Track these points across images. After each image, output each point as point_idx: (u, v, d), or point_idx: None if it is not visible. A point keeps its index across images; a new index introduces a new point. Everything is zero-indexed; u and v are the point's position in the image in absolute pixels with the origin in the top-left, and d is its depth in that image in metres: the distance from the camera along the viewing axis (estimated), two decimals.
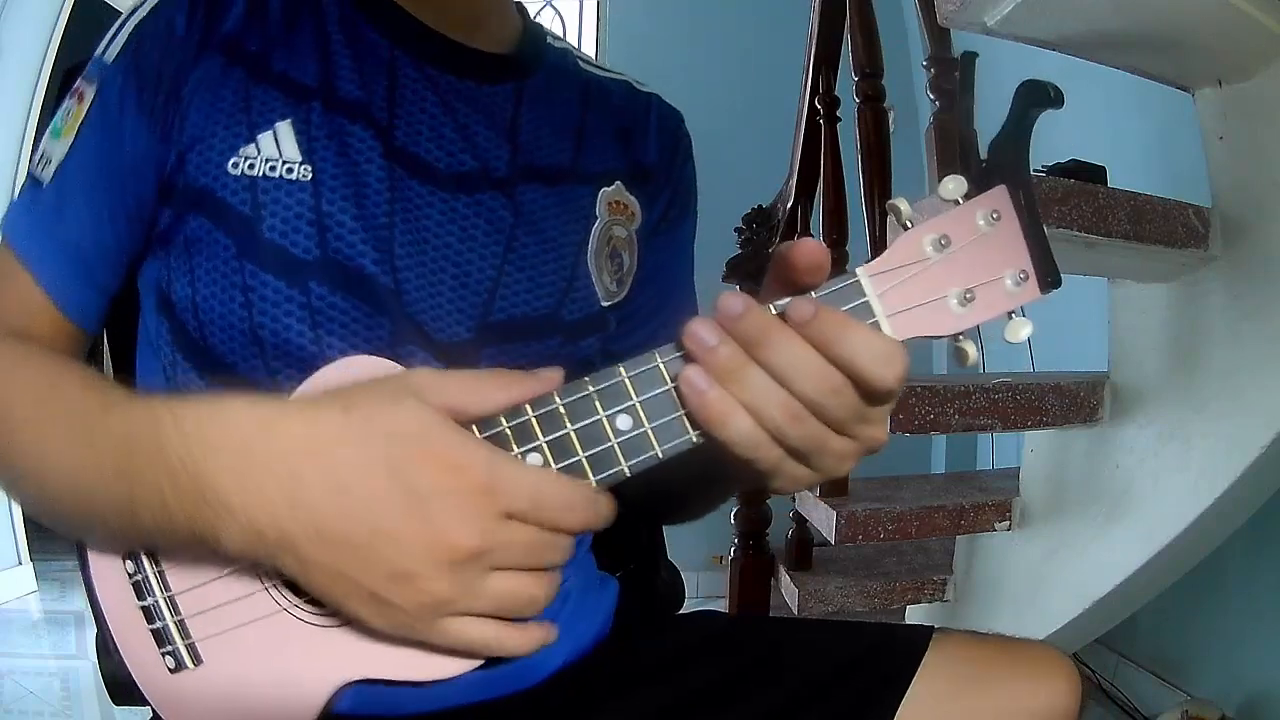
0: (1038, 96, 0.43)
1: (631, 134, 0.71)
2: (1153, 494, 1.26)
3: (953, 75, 1.64)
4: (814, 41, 1.78)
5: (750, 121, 2.74)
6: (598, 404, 0.45)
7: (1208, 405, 1.19)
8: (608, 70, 0.75)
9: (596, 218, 0.66)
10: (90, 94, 0.57)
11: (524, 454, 0.45)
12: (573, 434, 0.45)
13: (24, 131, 2.75)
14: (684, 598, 0.85)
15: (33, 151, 0.60)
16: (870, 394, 0.42)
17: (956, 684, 0.62)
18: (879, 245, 1.49)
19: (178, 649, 0.51)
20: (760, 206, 2.00)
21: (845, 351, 0.41)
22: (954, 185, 0.44)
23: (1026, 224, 0.44)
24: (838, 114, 1.73)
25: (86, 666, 2.25)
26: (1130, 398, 1.32)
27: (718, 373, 0.42)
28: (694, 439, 0.45)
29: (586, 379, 0.45)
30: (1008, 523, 1.49)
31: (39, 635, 2.51)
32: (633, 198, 0.69)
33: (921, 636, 0.64)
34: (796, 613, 1.54)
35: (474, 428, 0.45)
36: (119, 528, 0.48)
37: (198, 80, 0.56)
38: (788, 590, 1.59)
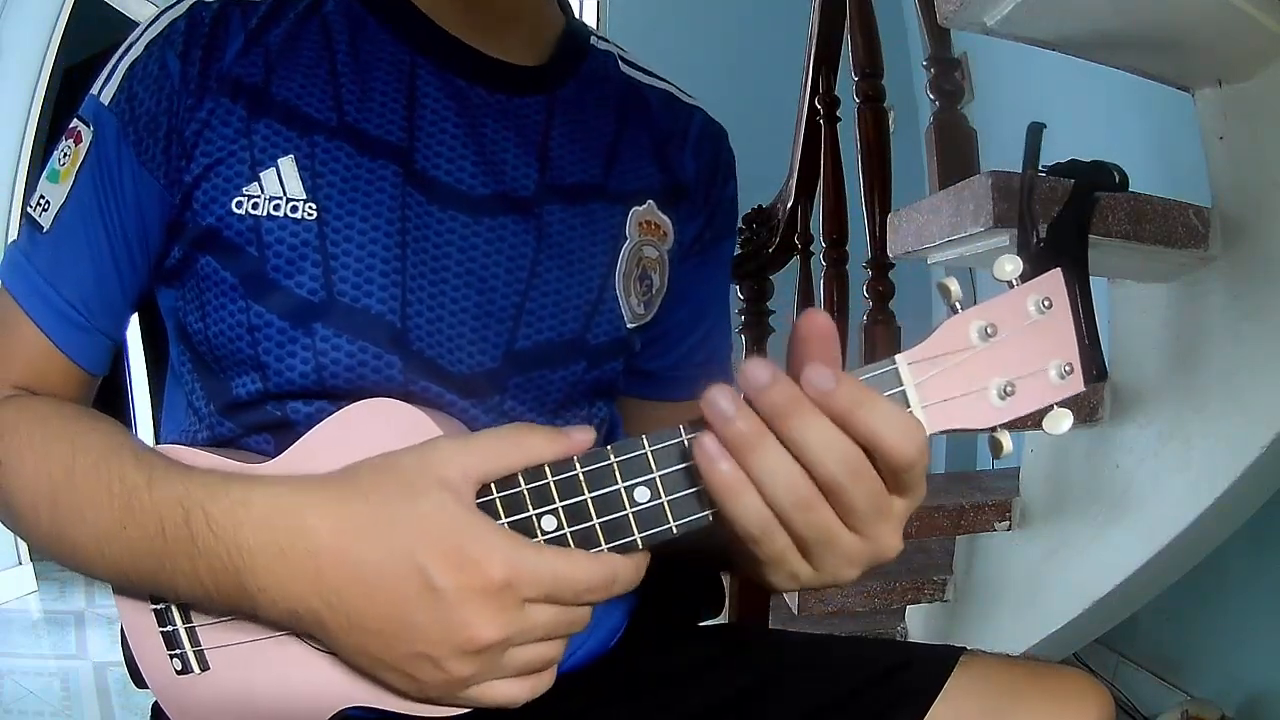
0: (1101, 178, 0.42)
1: (669, 148, 0.68)
2: (1153, 494, 1.26)
3: (953, 75, 1.64)
4: (814, 41, 1.78)
5: (750, 121, 2.73)
6: (617, 474, 0.44)
7: (1208, 405, 1.19)
8: (652, 75, 0.71)
9: (626, 238, 0.64)
10: (87, 137, 0.56)
11: (539, 516, 0.45)
12: (589, 501, 0.45)
13: (24, 131, 2.75)
14: (724, 601, 0.84)
15: (30, 192, 0.60)
16: (890, 471, 0.41)
17: (982, 709, 0.60)
18: (879, 245, 1.50)
19: (186, 654, 0.52)
20: (760, 206, 2.00)
21: (865, 422, 0.39)
22: (1011, 266, 0.42)
23: (1079, 314, 0.42)
24: (838, 114, 1.73)
25: (86, 666, 2.25)
26: (1130, 398, 1.32)
27: (734, 445, 0.40)
28: (710, 517, 0.44)
29: (609, 448, 0.45)
30: (1008, 523, 1.49)
31: (39, 635, 2.51)
32: (665, 217, 0.66)
33: (948, 657, 0.62)
34: (796, 613, 1.54)
35: (492, 486, 0.46)
36: (153, 592, 0.51)
37: (200, 122, 0.55)
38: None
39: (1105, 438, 1.36)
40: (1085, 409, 1.35)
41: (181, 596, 0.49)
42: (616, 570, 0.45)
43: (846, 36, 1.65)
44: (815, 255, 1.80)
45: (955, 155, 1.59)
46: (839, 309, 1.62)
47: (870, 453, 0.40)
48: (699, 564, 0.69)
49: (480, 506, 0.45)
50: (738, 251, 1.98)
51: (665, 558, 0.69)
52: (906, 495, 0.43)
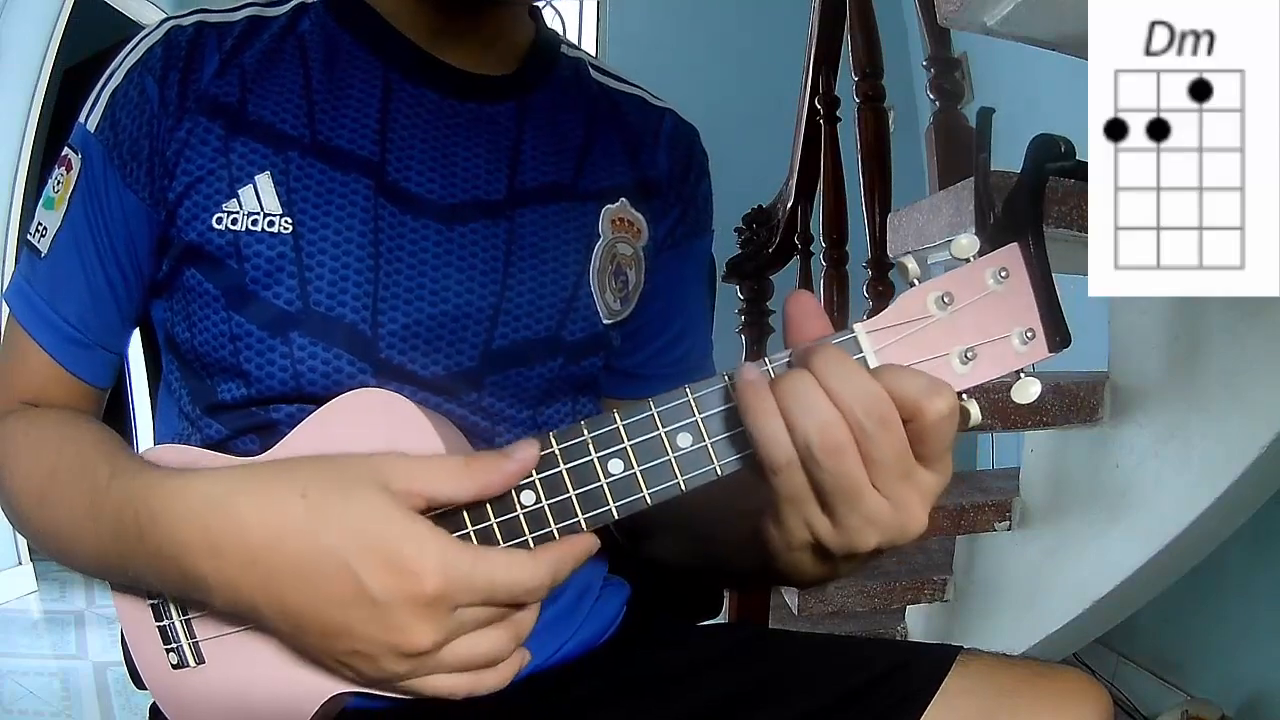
0: (1051, 151, 0.43)
1: (640, 149, 0.69)
2: (1153, 494, 1.26)
3: (953, 75, 1.64)
4: (814, 41, 1.78)
5: (750, 121, 2.74)
6: (590, 446, 0.46)
7: (1208, 405, 1.19)
8: (623, 81, 0.73)
9: (599, 236, 0.65)
10: (76, 164, 0.59)
11: (518, 491, 0.46)
12: (564, 473, 0.46)
13: (24, 130, 2.75)
14: (721, 603, 0.84)
15: (28, 220, 0.64)
16: (918, 431, 0.41)
17: (980, 708, 0.59)
18: (879, 245, 1.50)
19: (181, 647, 0.53)
20: (760, 206, 2.00)
21: (888, 378, 0.41)
22: (967, 243, 0.43)
23: (1037, 281, 0.43)
24: (838, 114, 1.73)
25: (86, 666, 2.25)
26: (1130, 398, 1.32)
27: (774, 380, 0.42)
28: (682, 486, 0.45)
29: (582, 423, 0.45)
30: (1008, 523, 1.49)
31: (39, 635, 2.51)
32: (639, 214, 0.67)
33: (946, 657, 0.62)
34: (796, 613, 1.54)
35: None
36: (128, 584, 0.53)
37: (180, 141, 0.57)
38: (788, 590, 1.59)
39: (1105, 438, 1.36)
40: (1085, 409, 1.35)
41: (148, 587, 0.51)
42: (556, 567, 0.45)
43: (846, 36, 1.65)
44: (815, 255, 1.80)
45: (955, 155, 1.60)
46: (839, 309, 1.62)
47: (901, 411, 0.41)
48: (701, 570, 0.69)
49: None
50: (737, 252, 1.98)
51: (666, 569, 0.70)
52: (933, 466, 0.43)
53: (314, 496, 0.44)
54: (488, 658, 0.46)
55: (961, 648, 0.63)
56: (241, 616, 0.48)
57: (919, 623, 1.74)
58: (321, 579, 0.43)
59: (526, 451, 0.45)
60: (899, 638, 1.72)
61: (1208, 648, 1.78)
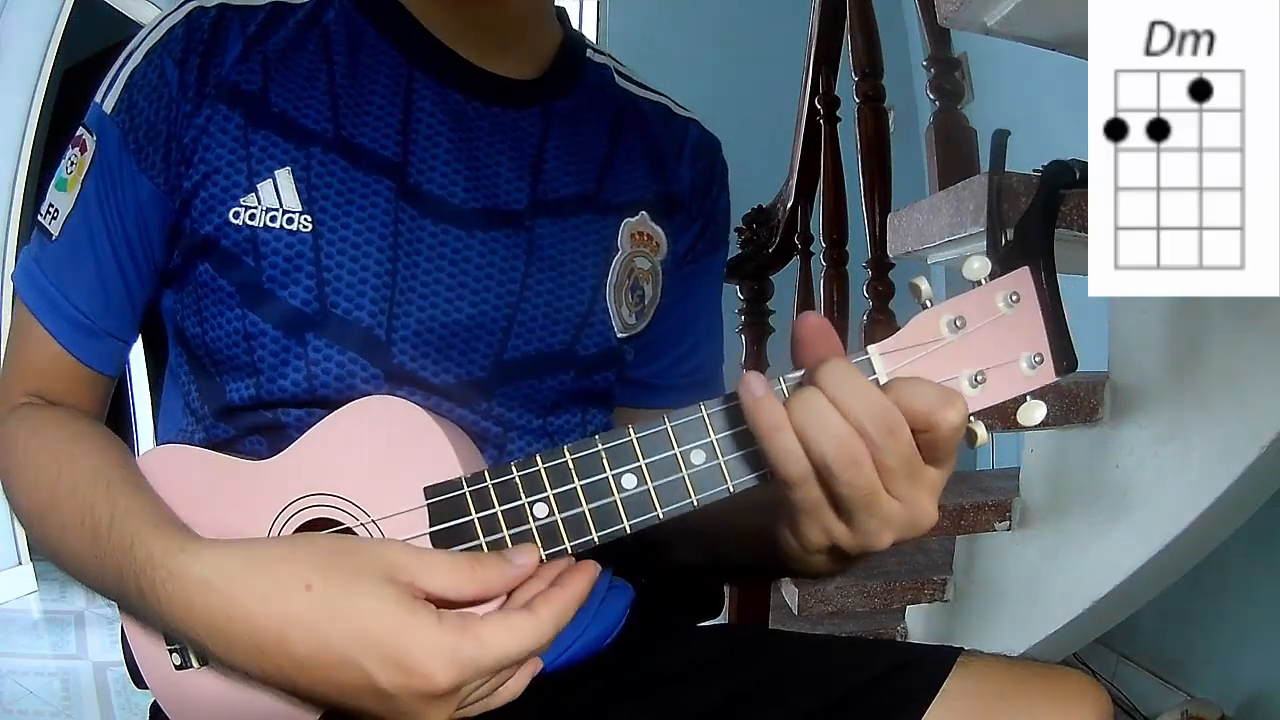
0: (1065, 178, 0.44)
1: (664, 160, 0.69)
2: (1153, 494, 1.26)
3: (953, 75, 1.64)
4: (814, 41, 1.78)
5: (750, 121, 2.74)
6: (605, 461, 0.46)
7: (1208, 405, 1.19)
8: (648, 89, 0.72)
9: (618, 250, 0.64)
10: (91, 145, 0.58)
11: (531, 504, 0.47)
12: (579, 489, 0.46)
13: (24, 130, 2.75)
14: (722, 604, 0.84)
15: (39, 198, 0.62)
16: (929, 440, 0.42)
17: (980, 709, 0.60)
18: (879, 245, 1.50)
19: (185, 648, 0.53)
20: (760, 206, 2.00)
21: (897, 391, 0.42)
22: (979, 265, 0.44)
23: (1047, 306, 0.44)
24: (838, 114, 1.73)
25: (86, 666, 2.25)
26: (1130, 398, 1.32)
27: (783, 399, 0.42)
28: (695, 504, 0.45)
29: (596, 437, 0.46)
30: (1008, 523, 1.49)
31: (39, 635, 2.51)
32: (658, 228, 0.67)
33: (947, 658, 0.62)
34: (796, 613, 1.54)
35: (485, 474, 0.47)
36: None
37: (199, 128, 0.56)
38: (788, 590, 1.59)
39: (1105, 438, 1.36)
40: (1085, 409, 1.35)
41: (148, 623, 0.51)
42: (559, 618, 0.45)
43: (846, 36, 1.65)
44: (815, 255, 1.80)
45: (955, 155, 1.60)
46: (839, 309, 1.62)
47: (911, 421, 0.42)
48: (706, 567, 0.69)
49: (475, 494, 0.47)
50: (737, 252, 1.98)
51: (666, 569, 0.70)
52: (941, 466, 0.44)
53: (319, 590, 0.43)
54: (496, 688, 0.47)
55: (962, 649, 0.63)
56: (248, 677, 0.47)
57: (919, 623, 1.74)
58: (331, 672, 0.43)
59: (528, 557, 0.46)
60: (899, 638, 1.72)
61: (1208, 648, 1.78)
